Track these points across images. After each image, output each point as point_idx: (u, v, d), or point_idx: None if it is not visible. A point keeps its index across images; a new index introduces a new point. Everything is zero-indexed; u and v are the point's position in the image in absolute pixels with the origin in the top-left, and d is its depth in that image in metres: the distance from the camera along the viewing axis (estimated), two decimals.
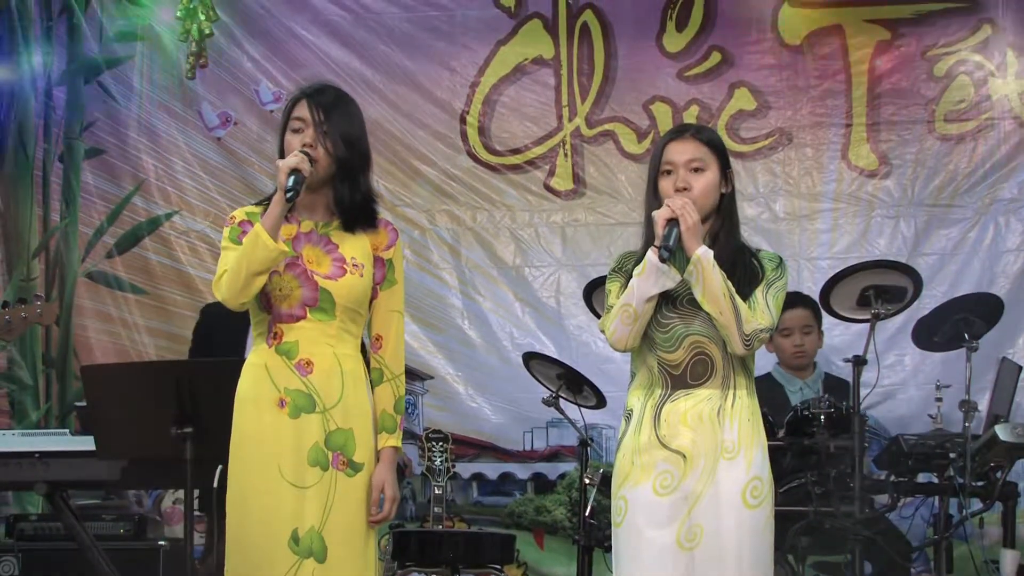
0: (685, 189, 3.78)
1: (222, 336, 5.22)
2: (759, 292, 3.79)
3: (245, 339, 5.08)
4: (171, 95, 7.42)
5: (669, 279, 3.74)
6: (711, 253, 3.71)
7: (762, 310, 3.77)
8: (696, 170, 3.81)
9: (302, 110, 3.76)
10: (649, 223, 3.78)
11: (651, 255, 3.73)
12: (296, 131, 3.75)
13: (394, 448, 3.77)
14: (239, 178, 7.36)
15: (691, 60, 7.20)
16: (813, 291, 6.19)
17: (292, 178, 3.62)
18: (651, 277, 3.73)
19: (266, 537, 3.62)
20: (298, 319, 3.71)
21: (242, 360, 3.82)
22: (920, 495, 5.72)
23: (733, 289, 3.72)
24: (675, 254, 3.71)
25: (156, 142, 7.41)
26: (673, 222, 3.70)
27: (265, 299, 3.72)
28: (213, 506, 4.00)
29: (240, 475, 3.69)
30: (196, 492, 4.37)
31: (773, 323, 3.79)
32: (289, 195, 3.62)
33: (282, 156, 3.74)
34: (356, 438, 3.69)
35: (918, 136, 7.04)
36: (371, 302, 3.81)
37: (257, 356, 3.74)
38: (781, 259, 3.88)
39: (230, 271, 3.66)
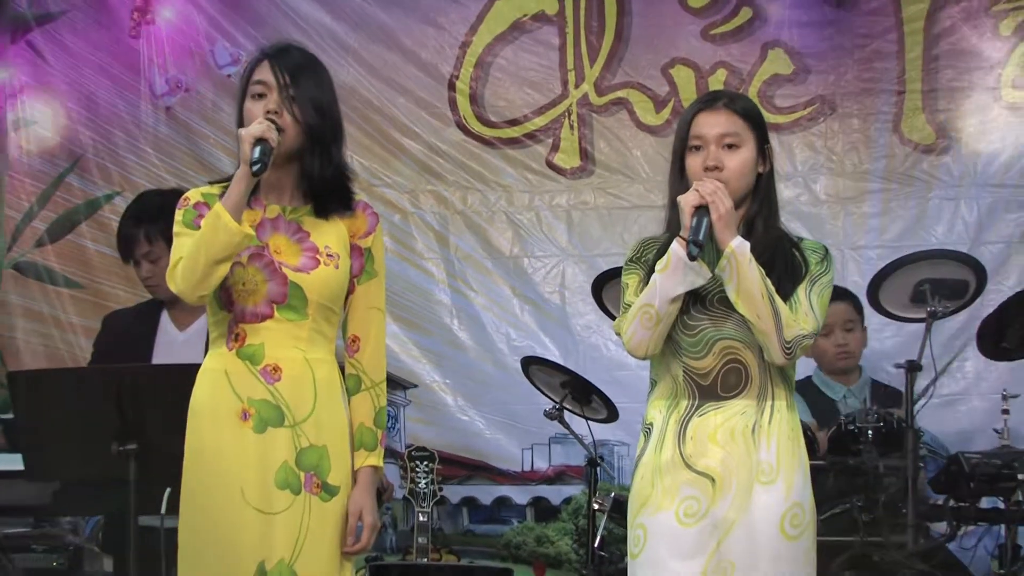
0: (716, 168, 3.78)
1: (125, 349, 5.22)
2: (802, 290, 3.80)
3: (151, 353, 5.10)
4: (112, 57, 7.43)
5: (698, 276, 3.73)
6: (747, 246, 3.71)
7: (805, 312, 3.77)
8: (729, 146, 3.81)
9: (264, 73, 3.76)
10: (673, 207, 3.79)
11: (678, 249, 3.72)
12: (258, 97, 3.75)
13: (373, 468, 3.77)
14: (191, 153, 7.37)
15: (718, 16, 7.20)
16: (860, 285, 6.21)
17: (258, 149, 3.61)
18: (677, 274, 3.73)
19: (227, 570, 3.62)
20: (264, 318, 3.70)
21: (196, 365, 3.80)
22: (983, 523, 5.73)
23: (772, 288, 3.72)
24: (704, 247, 3.70)
25: (94, 111, 7.42)
26: (703, 210, 3.70)
27: (226, 295, 3.71)
28: (161, 538, 3.99)
29: (195, 499, 3.68)
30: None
31: (818, 327, 3.80)
32: (255, 168, 3.60)
33: (241, 126, 3.72)
34: (331, 456, 3.69)
35: (981, 105, 7.03)
36: (347, 298, 3.80)
37: (215, 361, 3.73)
38: (827, 250, 3.89)
39: (186, 259, 3.65)
